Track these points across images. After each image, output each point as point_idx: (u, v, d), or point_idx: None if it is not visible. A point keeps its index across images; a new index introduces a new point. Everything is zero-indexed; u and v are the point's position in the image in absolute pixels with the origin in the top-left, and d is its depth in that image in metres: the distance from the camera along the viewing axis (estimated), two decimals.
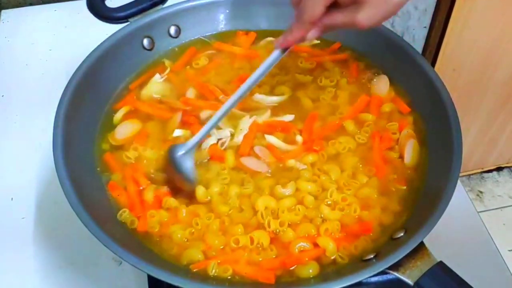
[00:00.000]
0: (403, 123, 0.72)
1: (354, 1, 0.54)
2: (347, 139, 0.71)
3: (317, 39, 0.73)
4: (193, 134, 0.69)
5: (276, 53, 0.63)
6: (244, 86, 0.63)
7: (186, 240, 0.62)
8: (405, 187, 0.66)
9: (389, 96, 0.76)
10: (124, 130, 0.72)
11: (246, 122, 0.71)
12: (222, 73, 0.80)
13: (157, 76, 0.78)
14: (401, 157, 0.69)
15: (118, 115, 0.73)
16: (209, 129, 0.65)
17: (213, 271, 0.58)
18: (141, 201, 0.65)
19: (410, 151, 0.69)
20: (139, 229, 0.62)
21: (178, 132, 0.71)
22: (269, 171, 0.68)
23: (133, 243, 0.61)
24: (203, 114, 0.73)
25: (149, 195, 0.65)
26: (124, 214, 0.63)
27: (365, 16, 0.54)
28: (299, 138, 0.71)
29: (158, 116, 0.74)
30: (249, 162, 0.68)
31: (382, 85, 0.77)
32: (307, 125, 0.72)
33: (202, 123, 0.70)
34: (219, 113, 0.65)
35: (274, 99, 0.75)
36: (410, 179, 0.67)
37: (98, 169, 0.68)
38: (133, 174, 0.67)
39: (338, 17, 0.56)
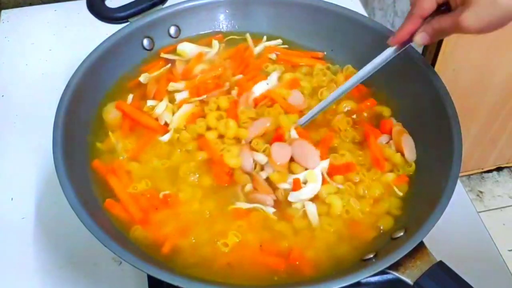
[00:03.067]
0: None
1: (463, 2, 0.54)
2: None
3: None
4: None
5: (389, 51, 0.65)
6: (354, 79, 0.68)
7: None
8: (406, 187, 0.67)
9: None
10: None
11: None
12: None
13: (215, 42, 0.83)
14: (400, 153, 0.70)
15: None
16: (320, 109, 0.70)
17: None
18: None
19: (409, 146, 0.70)
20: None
21: (151, 102, 0.74)
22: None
23: (130, 243, 0.61)
24: (171, 86, 0.76)
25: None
26: (137, 231, 0.62)
27: (470, 18, 0.54)
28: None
29: None
30: None
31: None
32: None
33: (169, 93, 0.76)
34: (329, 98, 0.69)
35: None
36: (412, 176, 0.68)
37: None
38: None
39: (445, 20, 0.57)
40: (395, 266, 0.53)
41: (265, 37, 0.84)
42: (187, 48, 0.82)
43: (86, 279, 0.71)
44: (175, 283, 0.52)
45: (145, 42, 0.80)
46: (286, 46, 0.84)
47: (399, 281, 0.53)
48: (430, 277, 0.53)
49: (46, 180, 0.81)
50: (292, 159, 0.67)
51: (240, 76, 0.78)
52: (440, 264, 0.54)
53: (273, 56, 0.82)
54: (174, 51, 0.82)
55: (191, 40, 0.83)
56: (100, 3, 0.79)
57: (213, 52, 0.82)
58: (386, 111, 0.76)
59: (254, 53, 0.82)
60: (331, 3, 0.82)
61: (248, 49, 0.82)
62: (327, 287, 0.53)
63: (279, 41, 0.84)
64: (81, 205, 0.57)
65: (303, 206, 0.64)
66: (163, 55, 0.81)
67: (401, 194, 0.66)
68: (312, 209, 0.64)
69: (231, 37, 0.84)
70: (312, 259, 0.60)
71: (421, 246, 0.55)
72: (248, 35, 0.84)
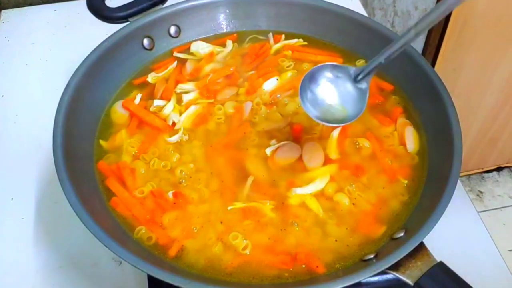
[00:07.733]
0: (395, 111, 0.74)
1: None
2: None
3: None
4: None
5: None
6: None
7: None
8: (407, 179, 0.67)
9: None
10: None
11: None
12: None
13: (229, 42, 0.83)
14: (403, 145, 0.71)
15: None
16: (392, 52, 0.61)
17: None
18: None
19: (411, 138, 0.71)
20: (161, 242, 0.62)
21: (157, 102, 0.74)
22: None
23: (132, 242, 0.61)
24: (179, 88, 0.76)
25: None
26: (141, 232, 0.62)
27: None
28: None
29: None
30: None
31: None
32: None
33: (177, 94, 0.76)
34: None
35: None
36: (415, 167, 0.68)
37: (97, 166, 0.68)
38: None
39: None
40: (395, 267, 0.53)
41: (283, 36, 0.84)
42: (200, 47, 0.82)
43: (86, 279, 0.71)
44: (175, 283, 0.52)
45: (145, 41, 0.80)
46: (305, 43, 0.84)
47: (399, 281, 0.53)
48: (430, 277, 0.53)
49: (46, 180, 0.81)
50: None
51: (253, 72, 0.79)
52: (440, 265, 0.54)
53: (288, 53, 0.82)
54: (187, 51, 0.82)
55: (206, 40, 0.84)
56: (100, 2, 0.79)
57: (226, 51, 0.82)
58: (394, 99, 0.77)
59: (271, 51, 0.83)
60: (331, 3, 0.82)
61: (264, 47, 0.83)
62: (328, 287, 0.53)
63: (299, 40, 0.84)
64: (81, 205, 0.57)
65: (304, 202, 0.64)
66: (176, 54, 0.81)
67: (406, 181, 0.67)
68: (315, 205, 0.64)
69: (253, 36, 0.85)
70: (320, 256, 0.61)
71: (421, 246, 0.55)
72: (270, 34, 0.84)
